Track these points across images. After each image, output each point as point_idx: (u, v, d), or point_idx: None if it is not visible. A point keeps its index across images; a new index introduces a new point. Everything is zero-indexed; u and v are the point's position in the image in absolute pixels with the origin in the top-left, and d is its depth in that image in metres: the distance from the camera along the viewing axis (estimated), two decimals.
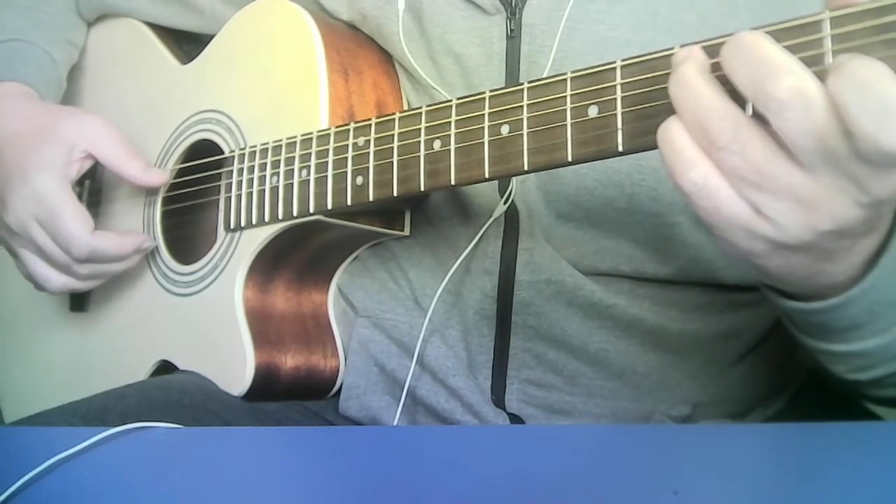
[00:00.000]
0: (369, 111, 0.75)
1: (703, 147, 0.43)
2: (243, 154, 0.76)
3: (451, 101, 0.61)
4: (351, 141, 0.67)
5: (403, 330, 0.75)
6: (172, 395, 0.73)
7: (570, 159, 0.54)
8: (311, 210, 0.70)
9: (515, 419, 0.72)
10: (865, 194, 0.41)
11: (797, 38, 0.43)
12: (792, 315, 0.55)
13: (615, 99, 0.51)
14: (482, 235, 0.71)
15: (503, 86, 0.65)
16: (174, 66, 0.89)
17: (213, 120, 0.81)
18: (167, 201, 0.85)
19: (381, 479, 0.49)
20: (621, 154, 0.51)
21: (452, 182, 0.60)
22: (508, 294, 0.71)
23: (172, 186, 0.85)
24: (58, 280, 0.80)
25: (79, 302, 0.92)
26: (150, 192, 0.86)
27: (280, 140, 0.72)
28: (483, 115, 0.58)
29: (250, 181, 0.75)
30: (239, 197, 0.76)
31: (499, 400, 0.72)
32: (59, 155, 0.78)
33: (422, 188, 0.62)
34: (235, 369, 0.74)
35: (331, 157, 0.68)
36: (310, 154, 0.70)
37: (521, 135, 0.56)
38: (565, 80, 0.54)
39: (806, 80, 0.40)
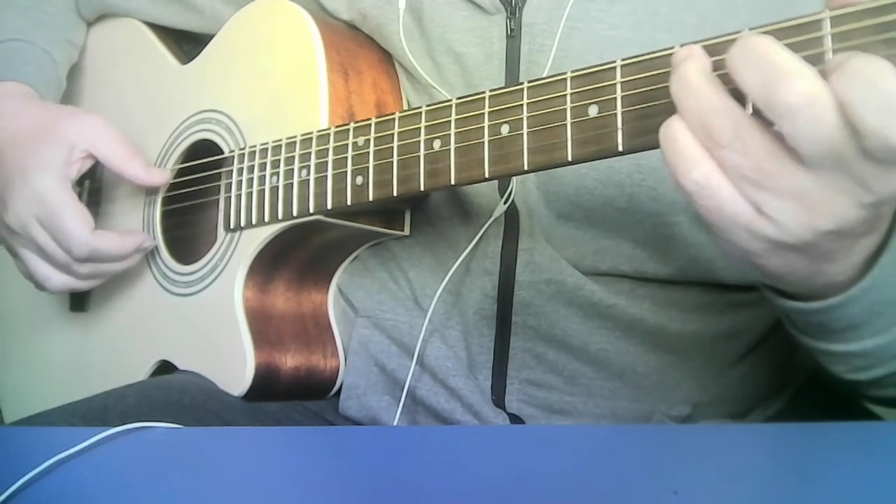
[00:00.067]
0: (369, 111, 0.75)
1: (704, 146, 0.43)
2: (243, 154, 0.76)
3: (450, 100, 0.61)
4: (351, 141, 0.67)
5: (403, 330, 0.75)
6: (172, 395, 0.72)
7: (570, 159, 0.54)
8: (311, 210, 0.70)
9: (515, 419, 0.72)
10: (869, 193, 0.41)
11: (797, 36, 0.43)
12: (791, 315, 0.55)
13: (615, 98, 0.51)
14: (482, 235, 0.71)
15: (503, 85, 0.65)
16: (174, 65, 0.89)
17: (212, 120, 0.81)
18: (167, 201, 0.85)
19: (381, 479, 0.49)
20: (621, 154, 0.51)
21: (452, 182, 0.60)
22: (508, 294, 0.71)
23: (172, 186, 0.85)
24: (58, 279, 0.80)
25: (79, 302, 0.92)
26: (150, 191, 0.86)
27: (280, 140, 0.72)
28: (483, 114, 0.58)
29: (250, 181, 0.75)
30: (239, 197, 0.76)
31: (499, 400, 0.72)
32: (60, 155, 0.78)
33: (422, 188, 0.62)
34: (235, 369, 0.74)
35: (331, 157, 0.68)
36: (310, 154, 0.70)
37: (521, 134, 0.56)
38: (565, 79, 0.54)
39: (816, 85, 0.39)
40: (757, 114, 0.42)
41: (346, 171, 0.67)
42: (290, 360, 0.76)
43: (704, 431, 0.59)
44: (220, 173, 0.79)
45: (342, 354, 0.81)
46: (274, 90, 0.76)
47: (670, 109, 0.44)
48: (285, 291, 0.79)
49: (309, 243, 0.77)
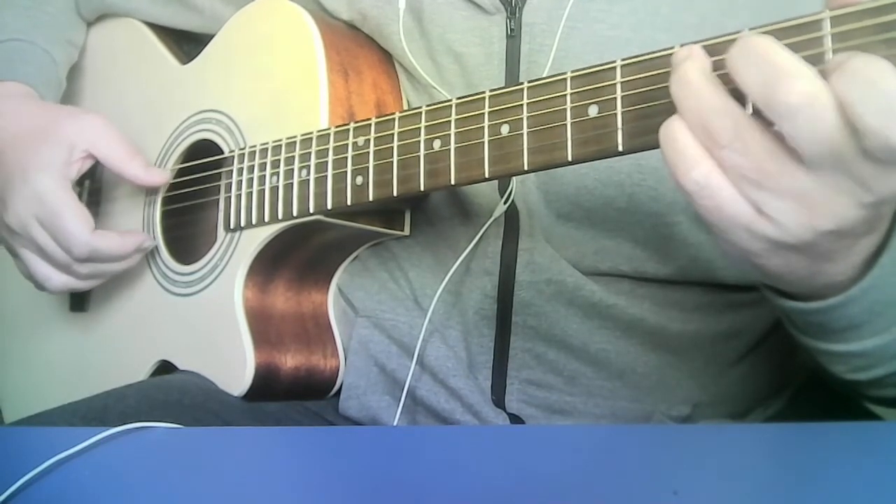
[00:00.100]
0: (369, 111, 0.75)
1: (705, 146, 0.43)
2: (243, 154, 0.76)
3: (450, 100, 0.61)
4: (351, 141, 0.67)
5: (403, 330, 0.75)
6: (172, 395, 0.72)
7: (570, 159, 0.54)
8: (311, 210, 0.70)
9: (515, 419, 0.72)
10: (869, 193, 0.41)
11: (797, 36, 0.43)
12: (791, 315, 0.55)
13: (615, 98, 0.51)
14: (482, 235, 0.71)
15: (503, 85, 0.65)
16: (174, 65, 0.89)
17: (212, 120, 0.81)
18: (167, 201, 0.85)
19: (381, 479, 0.49)
20: (621, 154, 0.51)
21: (452, 182, 0.60)
22: (508, 294, 0.71)
23: (172, 186, 0.85)
24: (58, 279, 0.80)
25: (79, 302, 0.92)
26: (150, 191, 0.86)
27: (280, 140, 0.72)
28: (483, 114, 0.58)
29: (250, 181, 0.75)
30: (239, 197, 0.76)
31: (499, 400, 0.72)
32: (60, 155, 0.78)
33: (422, 188, 0.62)
34: (235, 369, 0.74)
35: (331, 157, 0.68)
36: (309, 154, 0.70)
37: (521, 134, 0.56)
38: (565, 79, 0.54)
39: (816, 85, 0.39)
40: (757, 114, 0.42)
41: (346, 171, 0.67)
42: (290, 360, 0.76)
43: (704, 431, 0.59)
44: (220, 173, 0.79)
45: (342, 354, 0.81)
46: (274, 90, 0.76)
47: (670, 109, 0.44)
48: (285, 291, 0.79)
49: (309, 243, 0.77)
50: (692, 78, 0.43)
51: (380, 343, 0.77)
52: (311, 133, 0.70)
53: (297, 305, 0.79)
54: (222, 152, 0.79)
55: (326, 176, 0.68)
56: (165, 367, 0.82)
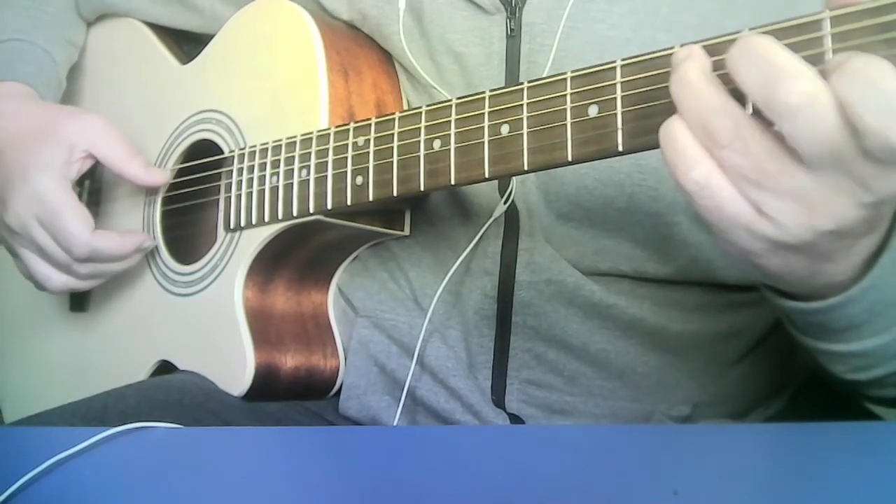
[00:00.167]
0: (369, 111, 0.75)
1: (704, 146, 0.43)
2: (243, 154, 0.76)
3: (450, 100, 0.61)
4: (351, 141, 0.67)
5: (403, 330, 0.75)
6: (172, 395, 0.72)
7: (570, 159, 0.54)
8: (311, 210, 0.70)
9: (515, 419, 0.72)
10: (869, 193, 0.41)
11: (797, 36, 0.43)
12: (791, 315, 0.55)
13: (615, 98, 0.51)
14: (482, 235, 0.71)
15: (503, 85, 0.65)
16: (174, 66, 0.89)
17: (212, 120, 0.81)
18: (167, 201, 0.85)
19: (381, 479, 0.49)
20: (621, 154, 0.51)
21: (452, 182, 0.60)
22: (508, 294, 0.71)
23: (172, 186, 0.85)
24: (58, 279, 0.80)
25: (79, 302, 0.92)
26: (150, 191, 0.86)
27: (280, 140, 0.72)
28: (483, 114, 0.58)
29: (250, 181, 0.75)
30: (239, 197, 0.76)
31: (499, 400, 0.72)
32: (60, 155, 0.78)
33: (422, 188, 0.62)
34: (235, 369, 0.74)
35: (331, 157, 0.68)
36: (309, 154, 0.70)
37: (521, 134, 0.56)
38: (565, 79, 0.54)
39: (816, 85, 0.39)
40: (757, 114, 0.42)
41: (346, 171, 0.67)
42: (290, 360, 0.76)
43: (704, 431, 0.59)
44: (220, 173, 0.79)
45: (342, 354, 0.81)
46: (274, 90, 0.76)
47: (670, 109, 0.44)
48: (285, 291, 0.79)
49: (309, 243, 0.77)
50: (692, 78, 0.43)
51: (380, 343, 0.77)
52: (311, 133, 0.70)
53: (297, 305, 0.79)
54: (222, 152, 0.79)
55: (326, 176, 0.68)
56: (165, 367, 0.82)
